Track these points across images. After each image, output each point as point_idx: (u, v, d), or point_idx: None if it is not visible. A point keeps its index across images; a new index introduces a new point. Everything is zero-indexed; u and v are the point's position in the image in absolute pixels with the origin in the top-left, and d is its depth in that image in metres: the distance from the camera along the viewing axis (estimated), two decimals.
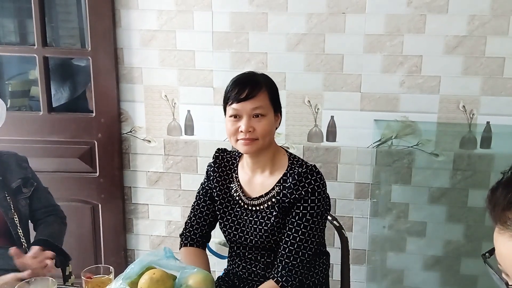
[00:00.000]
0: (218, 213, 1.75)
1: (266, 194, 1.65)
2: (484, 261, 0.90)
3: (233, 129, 1.59)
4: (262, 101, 1.58)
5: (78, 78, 2.98)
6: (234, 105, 1.58)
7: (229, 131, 1.61)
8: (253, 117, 1.57)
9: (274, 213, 1.62)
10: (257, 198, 1.67)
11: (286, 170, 1.64)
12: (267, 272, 1.71)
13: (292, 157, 1.68)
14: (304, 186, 1.58)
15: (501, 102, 2.32)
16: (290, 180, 1.60)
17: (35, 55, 2.60)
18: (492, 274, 0.87)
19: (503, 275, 0.85)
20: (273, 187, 1.64)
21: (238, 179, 1.72)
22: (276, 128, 1.68)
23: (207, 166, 1.78)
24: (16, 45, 3.66)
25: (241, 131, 1.57)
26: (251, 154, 1.64)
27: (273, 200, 1.63)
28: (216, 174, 1.74)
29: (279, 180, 1.63)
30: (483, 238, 2.46)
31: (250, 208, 1.69)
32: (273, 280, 1.60)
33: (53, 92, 2.76)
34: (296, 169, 1.61)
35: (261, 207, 1.66)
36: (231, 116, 1.60)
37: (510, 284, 0.84)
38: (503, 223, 0.82)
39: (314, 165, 1.63)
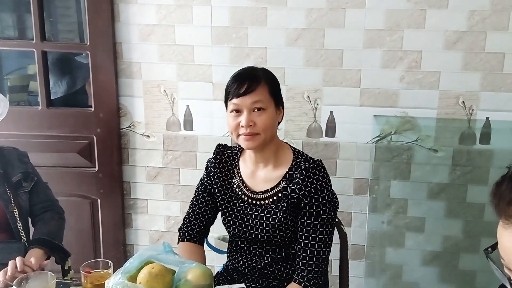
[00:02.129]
0: (220, 208, 1.75)
1: (272, 188, 1.65)
2: (486, 256, 0.89)
3: (235, 124, 1.58)
4: (261, 95, 1.57)
5: (78, 73, 2.97)
6: (234, 100, 1.57)
7: (230, 126, 1.60)
8: (253, 111, 1.57)
9: (282, 209, 1.62)
10: (262, 193, 1.67)
11: (292, 164, 1.64)
12: (269, 267, 1.71)
13: (296, 151, 1.68)
14: (313, 182, 1.58)
15: (501, 98, 2.31)
16: (298, 175, 1.60)
17: (34, 49, 2.59)
18: (495, 269, 0.87)
19: (506, 270, 0.85)
20: (279, 181, 1.64)
21: (240, 174, 1.72)
22: (279, 123, 1.67)
23: (207, 162, 1.78)
24: (15, 40, 3.63)
25: (242, 126, 1.56)
26: (254, 149, 1.63)
27: (280, 195, 1.63)
28: (217, 170, 1.73)
29: (285, 174, 1.63)
30: (481, 234, 2.46)
31: (254, 202, 1.68)
32: (297, 283, 1.61)
33: (50, 84, 2.75)
34: (302, 163, 1.61)
35: (267, 201, 1.66)
36: (232, 111, 1.59)
37: None
38: (507, 217, 0.82)
39: (320, 160, 1.63)
